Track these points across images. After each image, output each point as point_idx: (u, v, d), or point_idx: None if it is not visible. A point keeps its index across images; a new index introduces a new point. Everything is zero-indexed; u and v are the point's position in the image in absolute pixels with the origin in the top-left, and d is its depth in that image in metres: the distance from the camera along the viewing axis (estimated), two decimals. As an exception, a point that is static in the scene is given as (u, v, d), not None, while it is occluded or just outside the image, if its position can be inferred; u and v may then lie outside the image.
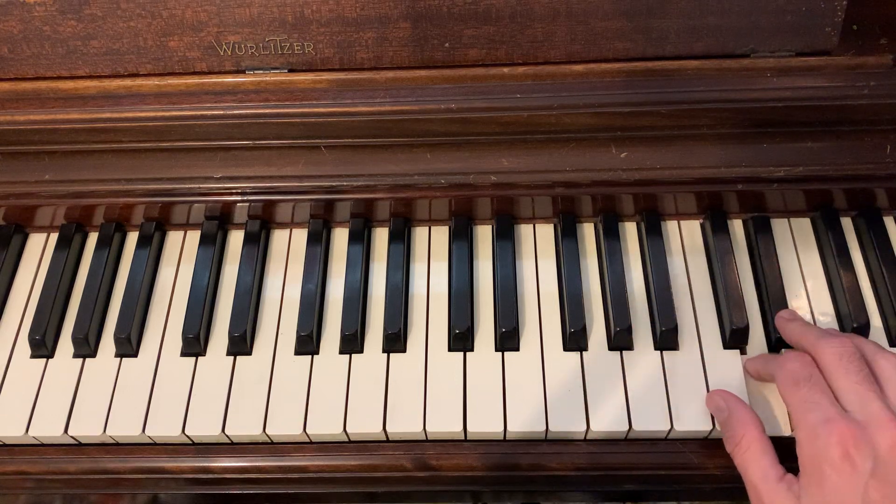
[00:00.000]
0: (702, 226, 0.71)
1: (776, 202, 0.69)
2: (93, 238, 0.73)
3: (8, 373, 0.66)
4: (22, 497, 0.71)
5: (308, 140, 0.66)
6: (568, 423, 0.61)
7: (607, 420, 0.61)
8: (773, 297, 0.65)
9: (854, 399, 0.53)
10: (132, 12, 0.63)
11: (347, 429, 0.61)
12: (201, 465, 0.63)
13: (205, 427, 0.62)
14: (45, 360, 0.66)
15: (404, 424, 0.61)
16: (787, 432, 0.59)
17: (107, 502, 0.82)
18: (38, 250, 0.73)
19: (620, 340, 0.64)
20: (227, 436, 0.62)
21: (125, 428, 0.62)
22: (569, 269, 0.68)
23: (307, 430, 0.61)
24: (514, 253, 0.69)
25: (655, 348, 0.64)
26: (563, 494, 0.74)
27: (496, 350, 0.65)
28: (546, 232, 0.71)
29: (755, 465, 0.55)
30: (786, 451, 0.55)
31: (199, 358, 0.66)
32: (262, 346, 0.66)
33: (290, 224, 0.73)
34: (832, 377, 0.55)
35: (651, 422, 0.60)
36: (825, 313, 0.66)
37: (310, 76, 0.65)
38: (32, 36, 0.65)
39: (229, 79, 0.66)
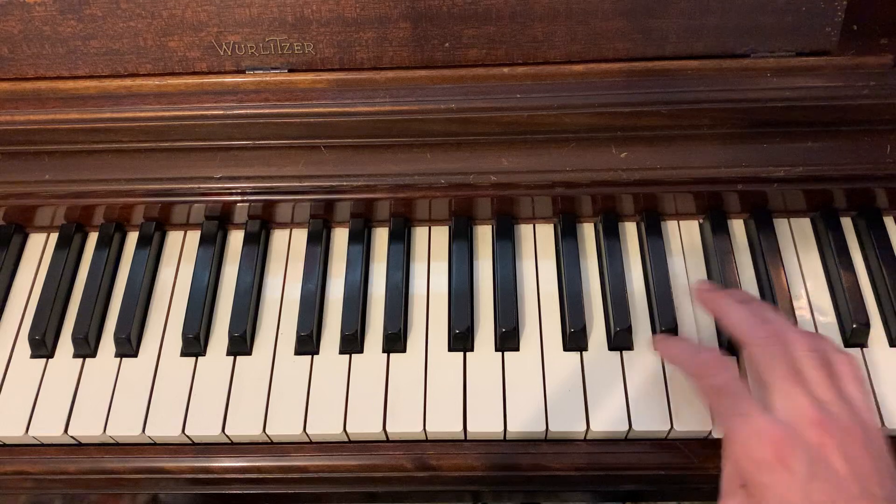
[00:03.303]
0: (701, 226, 0.71)
1: (776, 202, 0.69)
2: (93, 238, 0.73)
3: (8, 373, 0.66)
4: (22, 497, 0.71)
5: (308, 140, 0.66)
6: (568, 423, 0.61)
7: (607, 420, 0.61)
8: (776, 296, 0.65)
9: (782, 396, 0.52)
10: (132, 12, 0.63)
11: (347, 429, 0.61)
12: (201, 465, 0.63)
13: (205, 427, 0.62)
14: (45, 360, 0.66)
15: (404, 424, 0.61)
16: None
17: (107, 502, 0.82)
18: (38, 250, 0.73)
19: (620, 340, 0.64)
20: (227, 436, 0.62)
21: (125, 428, 0.62)
22: (569, 269, 0.68)
23: (307, 430, 0.61)
24: (514, 253, 0.69)
25: (655, 348, 0.64)
26: (563, 494, 0.74)
27: (496, 350, 0.65)
28: (546, 232, 0.71)
29: (726, 471, 0.53)
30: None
31: (199, 358, 0.66)
32: (262, 346, 0.66)
33: (290, 224, 0.73)
34: (761, 368, 0.54)
35: (651, 422, 0.60)
36: (825, 313, 0.66)
37: (310, 76, 0.65)
38: (32, 36, 0.65)
39: (229, 79, 0.66)
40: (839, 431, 0.50)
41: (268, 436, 0.62)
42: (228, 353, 0.66)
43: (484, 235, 0.71)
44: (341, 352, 0.65)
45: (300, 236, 0.72)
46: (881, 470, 0.49)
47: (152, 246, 0.71)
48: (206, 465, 0.63)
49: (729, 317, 0.58)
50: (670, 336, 0.63)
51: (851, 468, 0.48)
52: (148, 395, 0.64)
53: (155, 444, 0.63)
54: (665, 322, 0.64)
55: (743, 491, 0.51)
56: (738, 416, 0.52)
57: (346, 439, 0.62)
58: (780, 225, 0.70)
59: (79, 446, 0.64)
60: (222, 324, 0.67)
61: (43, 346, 0.66)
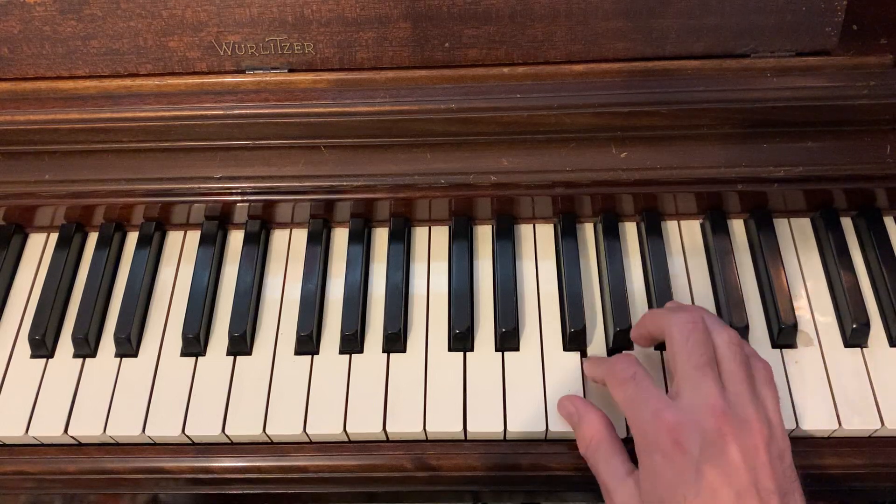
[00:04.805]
0: (702, 226, 0.71)
1: (776, 202, 0.69)
2: (93, 238, 0.73)
3: (8, 373, 0.66)
4: (22, 497, 0.72)
5: (308, 140, 0.66)
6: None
7: (607, 420, 0.61)
8: (776, 296, 0.65)
9: (688, 384, 0.53)
10: (132, 12, 0.63)
11: (347, 429, 0.61)
12: (201, 465, 0.63)
13: (205, 427, 0.62)
14: (45, 360, 0.66)
15: (404, 424, 0.61)
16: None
17: (107, 502, 0.82)
18: (38, 250, 0.73)
19: (620, 341, 0.64)
20: (227, 436, 0.62)
21: (125, 428, 0.62)
22: (569, 269, 0.68)
23: (307, 430, 0.61)
24: (514, 253, 0.69)
25: (655, 348, 0.64)
26: (563, 494, 0.74)
27: (496, 350, 0.65)
28: (546, 232, 0.71)
29: (604, 464, 0.55)
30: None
31: (199, 358, 0.66)
32: (262, 346, 0.66)
33: (290, 224, 0.73)
34: (674, 356, 0.55)
35: (651, 422, 0.60)
36: (825, 313, 0.66)
37: (310, 76, 0.65)
38: (32, 36, 0.65)
39: (229, 79, 0.66)
40: (739, 422, 0.50)
41: (268, 436, 0.62)
42: (228, 353, 0.66)
43: (484, 235, 0.71)
44: (341, 352, 0.65)
45: (300, 236, 0.72)
46: (776, 467, 0.50)
47: (152, 246, 0.71)
48: (206, 465, 0.63)
49: (658, 320, 0.59)
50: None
51: (745, 459, 0.49)
52: (148, 395, 0.64)
53: (155, 444, 0.63)
54: (665, 322, 0.64)
55: (632, 477, 0.52)
56: (641, 401, 0.53)
57: (346, 439, 0.62)
58: (780, 225, 0.70)
59: (79, 446, 0.64)
60: (222, 324, 0.67)
61: (43, 346, 0.66)
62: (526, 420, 0.61)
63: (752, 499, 0.48)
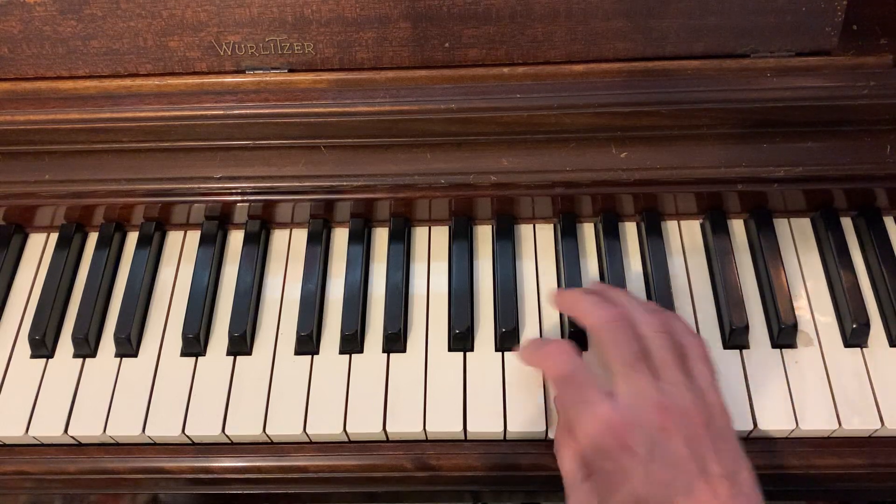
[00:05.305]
0: (702, 226, 0.71)
1: (776, 202, 0.69)
2: (93, 238, 0.73)
3: (8, 373, 0.66)
4: (22, 497, 0.72)
5: (308, 140, 0.66)
6: (568, 423, 0.61)
7: (607, 420, 0.60)
8: (776, 296, 0.65)
9: (623, 381, 0.53)
10: (132, 12, 0.63)
11: (347, 429, 0.61)
12: (201, 465, 0.63)
13: (205, 427, 0.62)
14: (45, 360, 0.66)
15: (404, 424, 0.61)
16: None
17: (107, 502, 0.82)
18: (38, 250, 0.73)
19: (620, 340, 0.64)
20: (226, 436, 0.62)
21: (125, 428, 0.62)
22: (569, 269, 0.68)
23: (307, 430, 0.61)
24: (515, 253, 0.69)
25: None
26: (564, 494, 0.74)
27: (496, 350, 0.64)
28: (546, 232, 0.71)
29: (568, 465, 0.54)
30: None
31: (199, 358, 0.66)
32: (262, 346, 0.66)
33: (290, 224, 0.73)
34: (604, 352, 0.55)
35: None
36: (825, 313, 0.66)
37: (310, 76, 0.65)
38: (32, 36, 0.65)
39: (229, 79, 0.66)
40: (680, 414, 0.51)
41: (268, 436, 0.62)
42: (228, 353, 0.66)
43: (484, 235, 0.71)
44: (341, 352, 0.65)
45: (300, 236, 0.72)
46: (720, 450, 0.50)
47: (152, 246, 0.71)
48: (206, 465, 0.63)
49: (577, 307, 0.58)
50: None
51: (691, 449, 0.49)
52: (148, 395, 0.64)
53: (155, 444, 0.63)
54: (665, 322, 0.64)
55: (588, 482, 0.52)
56: (581, 403, 0.53)
57: (346, 439, 0.63)
58: (780, 225, 0.70)
59: (79, 446, 0.64)
60: (222, 324, 0.67)
61: (43, 346, 0.66)
62: (526, 420, 0.61)
63: (702, 488, 0.48)
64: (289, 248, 0.72)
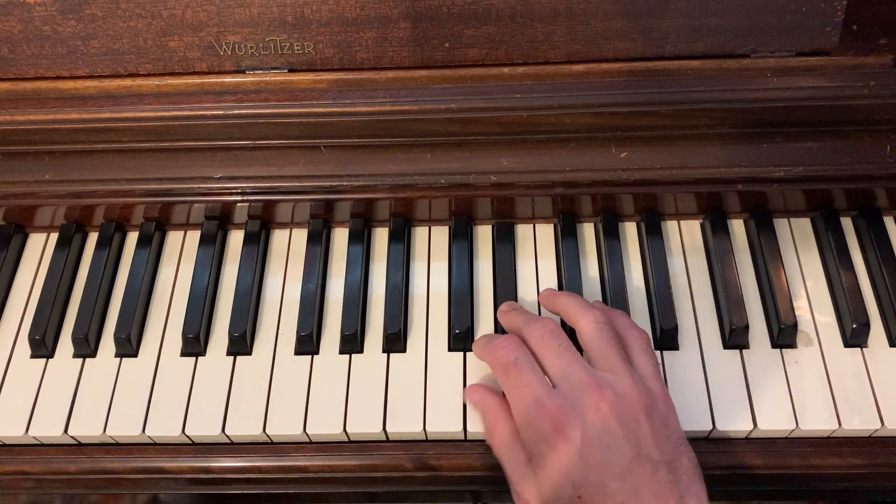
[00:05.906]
0: (702, 226, 0.71)
1: (776, 202, 0.69)
2: (93, 238, 0.73)
3: (8, 373, 0.66)
4: (22, 497, 0.72)
5: (308, 140, 0.66)
6: (568, 423, 0.61)
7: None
8: (776, 296, 0.65)
9: (559, 373, 0.54)
10: (132, 12, 0.63)
11: (347, 429, 0.61)
12: (201, 465, 0.63)
13: (205, 427, 0.62)
14: (45, 360, 0.66)
15: (404, 424, 0.61)
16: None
17: (107, 502, 0.82)
18: (38, 250, 0.73)
19: (620, 340, 0.64)
20: (226, 436, 0.62)
21: (125, 428, 0.62)
22: (569, 269, 0.68)
23: (307, 430, 0.61)
24: (514, 253, 0.69)
25: (655, 348, 0.64)
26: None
27: (496, 350, 0.64)
28: (546, 232, 0.71)
29: (507, 454, 0.55)
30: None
31: (199, 358, 0.66)
32: (262, 346, 0.66)
33: (290, 224, 0.73)
34: (539, 357, 0.56)
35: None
36: (825, 313, 0.66)
37: (310, 76, 0.65)
38: (32, 36, 0.65)
39: (229, 79, 0.66)
40: (616, 397, 0.51)
41: (268, 436, 0.62)
42: (228, 353, 0.66)
43: (484, 235, 0.71)
44: (341, 352, 0.65)
45: (300, 236, 0.72)
46: (660, 435, 0.51)
47: (152, 246, 0.71)
48: (206, 465, 0.63)
49: (513, 325, 0.60)
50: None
51: (626, 432, 0.50)
52: (148, 395, 0.64)
53: (155, 444, 0.63)
54: (665, 322, 0.64)
55: (530, 469, 0.53)
56: (518, 388, 0.54)
57: (346, 439, 0.62)
58: (780, 225, 0.70)
59: (79, 446, 0.64)
60: (222, 324, 0.67)
61: (43, 346, 0.66)
62: (526, 420, 0.61)
63: (638, 471, 0.49)
64: (289, 248, 0.72)
